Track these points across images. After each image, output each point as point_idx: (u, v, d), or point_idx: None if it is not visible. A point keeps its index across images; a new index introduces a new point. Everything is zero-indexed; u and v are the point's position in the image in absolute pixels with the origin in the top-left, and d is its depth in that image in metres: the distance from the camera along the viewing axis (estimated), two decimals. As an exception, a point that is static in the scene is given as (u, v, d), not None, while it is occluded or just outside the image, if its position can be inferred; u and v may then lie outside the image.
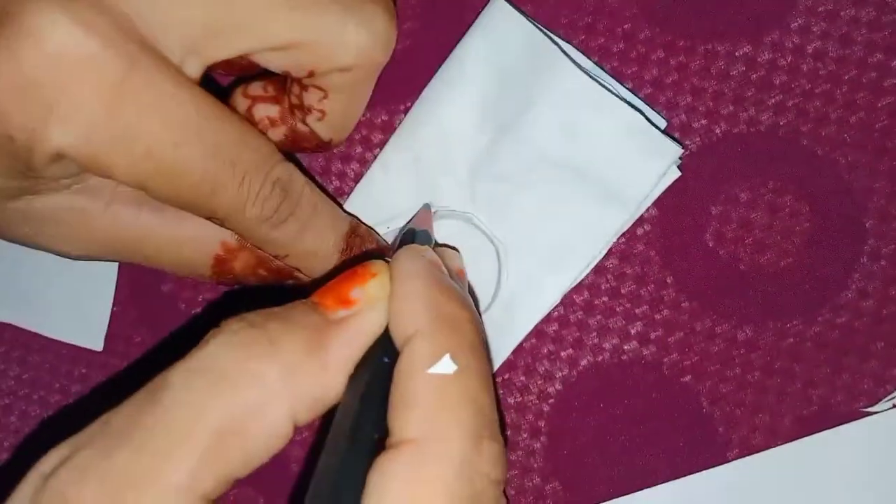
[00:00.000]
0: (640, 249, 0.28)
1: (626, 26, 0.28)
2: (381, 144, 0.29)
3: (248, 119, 0.26)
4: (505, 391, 0.29)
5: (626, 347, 0.28)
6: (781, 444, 0.27)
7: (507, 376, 0.29)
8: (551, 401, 0.29)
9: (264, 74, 0.27)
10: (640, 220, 0.28)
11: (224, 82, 0.29)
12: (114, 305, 0.32)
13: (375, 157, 0.29)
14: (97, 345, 0.32)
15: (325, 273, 0.26)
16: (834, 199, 0.27)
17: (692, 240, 0.28)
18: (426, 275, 0.20)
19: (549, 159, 0.28)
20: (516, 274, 0.28)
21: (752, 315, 0.27)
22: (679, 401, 0.28)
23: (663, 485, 0.27)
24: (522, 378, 0.29)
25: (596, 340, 0.28)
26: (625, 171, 0.27)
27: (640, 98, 0.28)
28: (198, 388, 0.17)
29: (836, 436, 0.27)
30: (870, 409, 0.27)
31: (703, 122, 0.28)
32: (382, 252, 0.27)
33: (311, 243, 0.25)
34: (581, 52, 0.28)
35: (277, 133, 0.26)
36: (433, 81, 0.29)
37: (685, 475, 0.27)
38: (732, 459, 0.27)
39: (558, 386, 0.29)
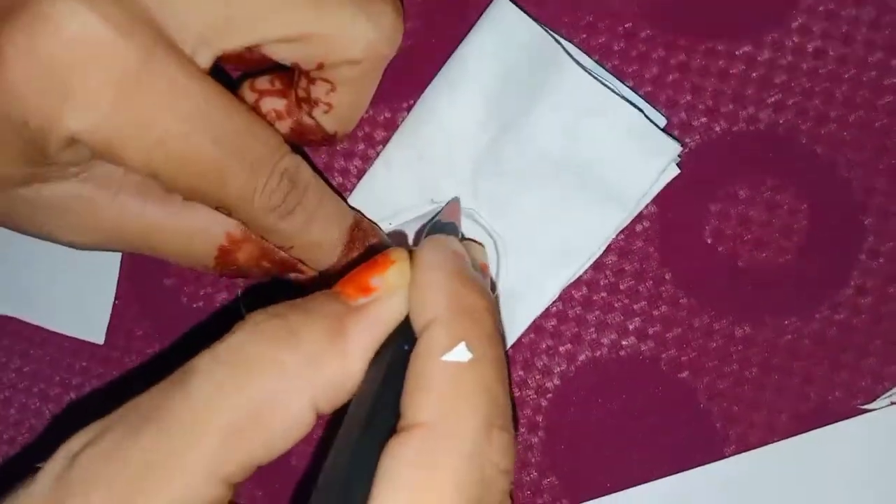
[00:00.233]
0: (638, 246, 0.28)
1: (627, 25, 0.28)
2: (384, 141, 0.30)
3: (255, 112, 0.26)
4: (504, 386, 0.29)
5: (624, 343, 0.28)
6: (778, 440, 0.27)
7: (505, 371, 0.29)
8: (549, 395, 0.29)
9: (272, 69, 0.27)
10: (640, 217, 0.28)
11: (232, 78, 0.29)
12: (115, 299, 0.32)
13: (378, 154, 0.30)
14: (98, 338, 0.32)
15: (329, 265, 0.26)
16: (833, 196, 0.27)
17: (691, 237, 0.28)
18: (449, 264, 0.20)
19: (551, 157, 0.28)
20: (516, 270, 0.28)
21: (750, 312, 0.28)
22: (676, 397, 0.28)
23: (660, 480, 0.28)
24: (520, 373, 0.29)
25: (594, 336, 0.28)
26: (625, 169, 0.27)
27: (640, 96, 0.28)
28: (222, 376, 0.17)
29: (834, 433, 0.27)
30: (867, 407, 0.27)
31: (703, 120, 0.28)
32: (385, 246, 0.28)
33: (317, 235, 0.25)
34: (582, 51, 0.28)
35: (283, 126, 0.27)
36: (436, 79, 0.29)
37: (682, 471, 0.27)
38: (729, 455, 0.27)
39: (556, 381, 0.29)
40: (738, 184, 0.28)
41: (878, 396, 0.27)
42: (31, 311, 0.33)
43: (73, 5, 0.20)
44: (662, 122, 0.28)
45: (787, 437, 0.27)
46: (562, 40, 0.28)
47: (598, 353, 0.28)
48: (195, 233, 0.26)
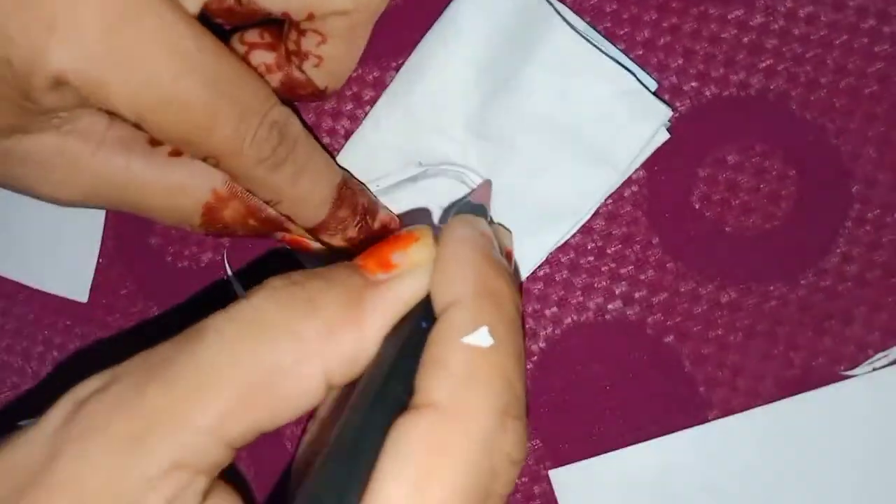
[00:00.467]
0: (627, 210, 0.28)
1: (619, -14, 0.28)
2: (373, 101, 0.29)
3: None
4: (488, 348, 0.29)
5: (609, 307, 0.28)
6: (761, 405, 0.27)
7: (491, 333, 0.29)
8: (534, 358, 0.29)
9: (262, 23, 0.27)
10: (628, 181, 0.28)
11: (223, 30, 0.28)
12: (100, 258, 0.32)
13: (366, 114, 0.29)
14: (82, 297, 0.32)
15: (317, 222, 0.26)
16: (821, 163, 0.27)
17: (679, 201, 0.28)
18: (476, 245, 0.20)
19: (540, 118, 0.28)
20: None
21: (736, 277, 0.28)
22: (661, 361, 0.28)
23: (643, 443, 0.28)
24: (506, 335, 0.29)
25: (580, 299, 0.28)
26: (615, 133, 0.27)
27: (631, 59, 0.28)
28: (235, 337, 0.17)
29: (817, 398, 0.27)
30: (850, 373, 0.27)
31: (694, 84, 0.28)
32: (374, 206, 0.27)
33: (305, 189, 0.25)
34: (574, 13, 0.28)
35: (273, 80, 0.26)
36: (426, 38, 0.29)
37: (665, 434, 0.28)
38: (712, 419, 0.27)
39: (541, 344, 0.29)
40: (727, 149, 0.28)
41: (862, 363, 0.27)
42: (14, 269, 0.32)
43: None
44: (653, 85, 0.28)
45: (770, 402, 0.27)
46: (553, 1, 0.28)
47: (584, 317, 0.28)
48: (181, 189, 0.25)
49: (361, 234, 0.27)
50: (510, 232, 0.27)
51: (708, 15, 0.28)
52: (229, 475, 0.18)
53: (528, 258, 0.28)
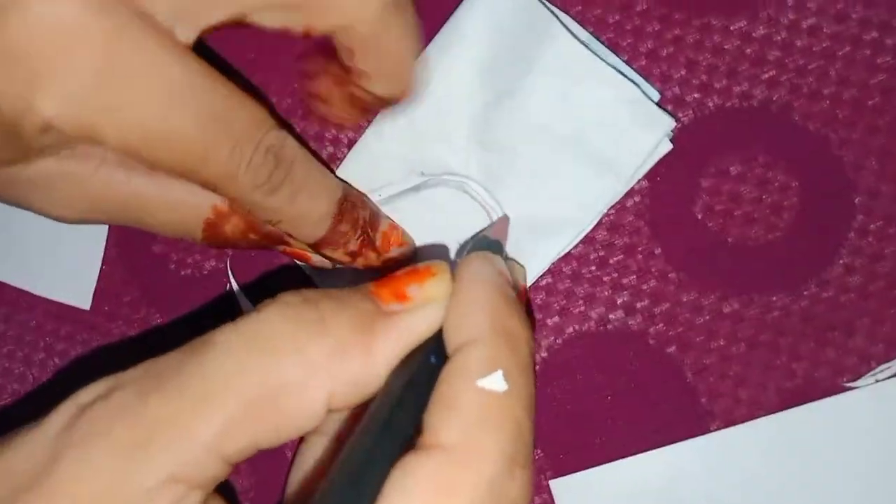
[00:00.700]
0: (629, 220, 0.28)
1: (622, -3, 0.28)
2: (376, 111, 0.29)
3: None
4: (490, 357, 0.29)
5: (611, 317, 0.28)
6: (764, 416, 0.27)
7: (493, 343, 0.29)
8: (536, 367, 0.29)
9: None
10: (631, 192, 0.28)
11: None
12: (103, 264, 0.32)
13: (370, 123, 0.29)
14: (85, 304, 0.32)
15: (318, 238, 0.26)
16: (824, 174, 0.27)
17: (681, 212, 0.28)
18: (493, 285, 0.19)
19: (544, 128, 0.28)
20: (506, 242, 0.28)
21: (739, 288, 0.28)
22: (663, 371, 0.28)
23: (645, 454, 0.28)
24: (508, 345, 0.29)
25: (582, 309, 0.28)
26: (618, 143, 0.27)
27: (634, 70, 0.28)
28: (242, 351, 0.17)
29: (819, 409, 0.27)
30: (853, 384, 0.27)
31: (697, 95, 0.28)
32: (375, 218, 0.27)
33: (304, 208, 0.25)
34: (577, 23, 0.28)
35: (342, 103, 0.26)
36: (430, 47, 0.29)
37: (667, 445, 0.27)
38: (714, 430, 0.27)
39: (543, 353, 0.29)
40: (730, 160, 0.28)
41: (864, 374, 0.27)
42: (17, 275, 0.32)
43: None
44: (656, 96, 0.28)
45: (773, 413, 0.27)
46: (557, 11, 0.28)
47: (586, 327, 0.28)
48: (182, 205, 0.25)
49: (363, 248, 0.27)
50: (524, 269, 0.27)
51: (711, 26, 0.28)
52: (220, 486, 0.18)
53: (531, 268, 0.28)
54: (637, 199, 0.28)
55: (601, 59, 0.27)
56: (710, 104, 0.28)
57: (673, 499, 0.27)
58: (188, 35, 0.22)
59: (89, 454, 0.16)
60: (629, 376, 0.28)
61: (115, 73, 0.20)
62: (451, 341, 0.18)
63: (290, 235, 0.26)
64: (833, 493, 0.26)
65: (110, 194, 0.24)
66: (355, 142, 0.30)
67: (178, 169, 0.22)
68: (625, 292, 0.28)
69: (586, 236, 0.28)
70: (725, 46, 0.28)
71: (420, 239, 0.29)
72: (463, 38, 0.28)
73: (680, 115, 0.28)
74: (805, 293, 0.27)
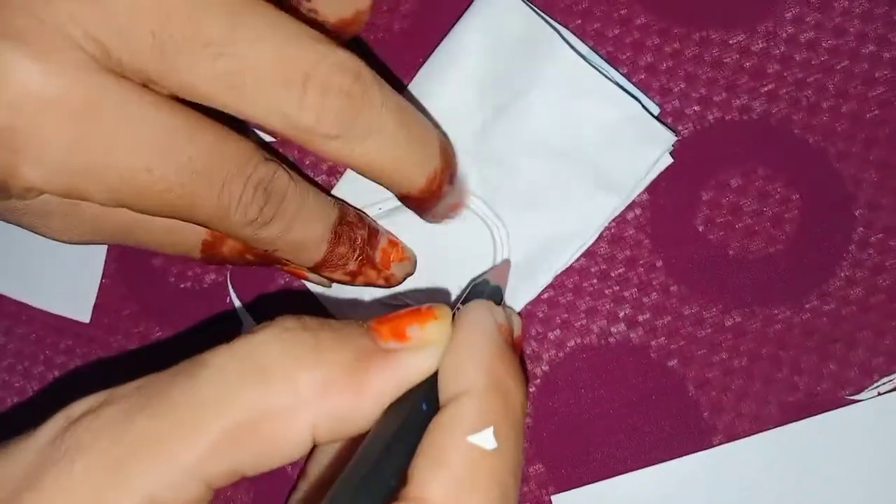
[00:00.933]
0: (630, 233, 0.28)
1: (622, 12, 0.28)
2: (376, 124, 0.29)
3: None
4: (491, 370, 0.29)
5: (613, 330, 0.28)
6: (767, 430, 0.27)
7: (494, 356, 0.29)
8: (537, 381, 0.28)
9: None
10: (631, 205, 0.28)
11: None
12: (103, 278, 0.32)
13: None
14: (84, 317, 0.32)
15: (315, 262, 0.26)
16: (824, 187, 0.27)
17: (682, 225, 0.28)
18: (493, 336, 0.19)
19: (543, 142, 0.28)
20: (508, 256, 0.28)
21: (740, 301, 0.27)
22: (665, 385, 0.28)
23: (647, 469, 0.27)
24: (509, 358, 0.29)
25: (584, 322, 0.28)
26: (618, 158, 0.27)
27: (633, 84, 0.28)
28: (233, 374, 0.17)
29: (822, 423, 0.26)
30: (855, 397, 0.27)
31: (696, 108, 0.28)
32: (374, 236, 0.27)
33: (299, 236, 0.25)
34: (577, 37, 0.28)
35: None
36: (430, 61, 0.29)
37: (669, 460, 0.27)
38: (717, 445, 0.27)
39: (545, 367, 0.28)
40: (730, 173, 0.28)
41: (867, 387, 0.27)
42: (17, 288, 0.32)
43: (12, 60, 0.19)
44: (656, 110, 0.28)
45: (775, 427, 0.27)
46: (556, 25, 0.28)
47: (588, 340, 0.28)
48: (179, 228, 0.25)
49: (363, 267, 0.27)
50: (520, 318, 0.27)
51: (710, 40, 0.28)
52: None
53: (534, 283, 0.28)
54: (638, 211, 0.28)
55: (601, 72, 0.27)
56: (710, 117, 0.28)
57: (675, 514, 0.27)
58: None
59: (72, 469, 0.16)
60: (631, 390, 0.28)
61: (95, 138, 0.20)
62: (444, 390, 0.18)
63: (288, 260, 0.26)
64: (837, 507, 0.26)
65: (107, 218, 0.25)
66: (356, 155, 0.30)
67: (168, 215, 0.22)
68: (626, 305, 0.28)
69: (587, 250, 0.28)
70: (725, 60, 0.28)
71: (420, 252, 0.29)
72: (462, 52, 0.28)
73: (680, 128, 0.28)
74: (806, 306, 0.27)
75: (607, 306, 0.28)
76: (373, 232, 0.27)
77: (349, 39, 0.27)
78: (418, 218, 0.29)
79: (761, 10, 0.28)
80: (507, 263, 0.28)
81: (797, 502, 0.27)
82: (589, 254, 0.28)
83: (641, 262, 0.28)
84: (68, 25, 0.20)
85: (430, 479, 0.17)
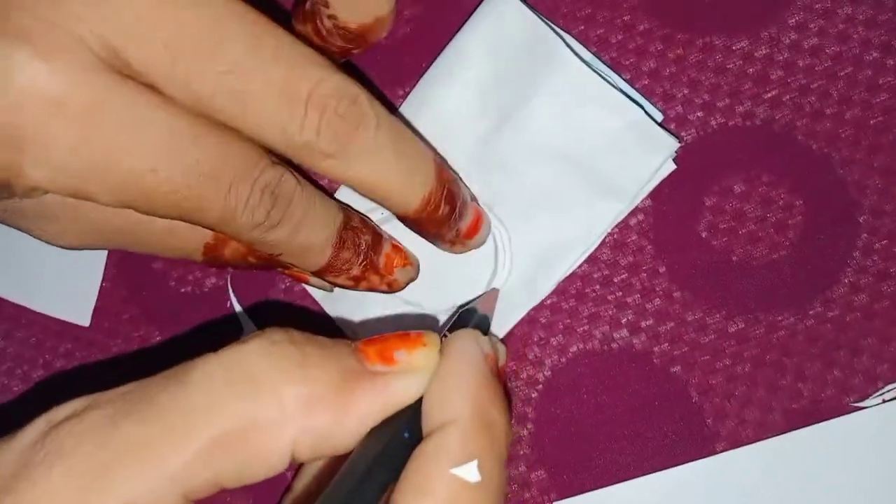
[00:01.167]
0: (633, 239, 0.28)
1: (625, 17, 0.28)
2: (379, 128, 0.29)
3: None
4: (493, 376, 0.29)
5: (616, 336, 0.28)
6: (770, 437, 0.27)
7: (496, 361, 0.29)
8: (539, 387, 0.28)
9: None
10: (634, 210, 0.28)
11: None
12: (103, 281, 0.32)
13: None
14: (84, 320, 0.32)
15: (319, 266, 0.26)
16: (827, 193, 0.27)
17: (685, 230, 0.28)
18: (479, 367, 0.19)
19: (547, 149, 0.28)
20: (510, 262, 0.28)
21: (744, 307, 0.27)
22: (668, 391, 0.28)
23: (650, 476, 0.27)
24: (512, 364, 0.29)
25: (586, 328, 0.28)
26: (621, 164, 0.27)
27: (636, 89, 0.28)
28: (219, 384, 0.17)
29: (826, 430, 0.26)
30: (860, 404, 0.27)
31: (700, 114, 0.28)
32: (378, 242, 0.27)
33: (305, 241, 0.24)
34: (580, 43, 0.28)
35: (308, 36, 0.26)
36: (433, 67, 0.29)
37: (672, 466, 0.27)
38: (720, 452, 0.27)
39: (547, 373, 0.28)
40: (734, 179, 0.28)
41: (871, 394, 0.27)
42: (17, 292, 0.32)
43: (18, 58, 0.19)
44: (659, 116, 0.28)
45: (779, 434, 0.27)
46: (560, 31, 0.28)
47: (590, 346, 0.28)
48: (181, 230, 0.25)
49: (366, 272, 0.27)
50: (505, 346, 0.27)
51: (713, 46, 0.28)
52: None
53: (536, 288, 0.28)
54: (641, 217, 0.28)
55: (604, 78, 0.27)
56: (713, 123, 0.28)
57: (678, 521, 0.27)
58: None
59: (50, 474, 0.16)
60: (634, 396, 0.28)
61: (99, 137, 0.20)
62: (429, 419, 0.18)
63: (292, 264, 0.26)
64: (841, 516, 0.26)
65: (107, 221, 0.24)
66: (358, 160, 0.29)
67: (174, 217, 0.22)
68: (629, 311, 0.28)
69: (590, 255, 0.28)
70: (728, 66, 0.28)
71: (422, 257, 0.29)
72: (465, 58, 0.28)
73: (683, 133, 0.28)
74: (810, 312, 0.27)
75: (610, 312, 0.28)
76: (377, 237, 0.27)
77: (368, 47, 0.28)
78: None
79: (765, 16, 0.28)
80: (494, 292, 0.28)
81: (801, 510, 0.26)
82: (592, 259, 0.28)
83: (644, 267, 0.28)
84: (76, 26, 0.20)
85: None
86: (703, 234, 0.28)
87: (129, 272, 0.32)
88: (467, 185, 0.28)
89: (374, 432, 0.18)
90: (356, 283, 0.27)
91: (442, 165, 0.26)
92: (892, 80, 0.27)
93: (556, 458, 0.28)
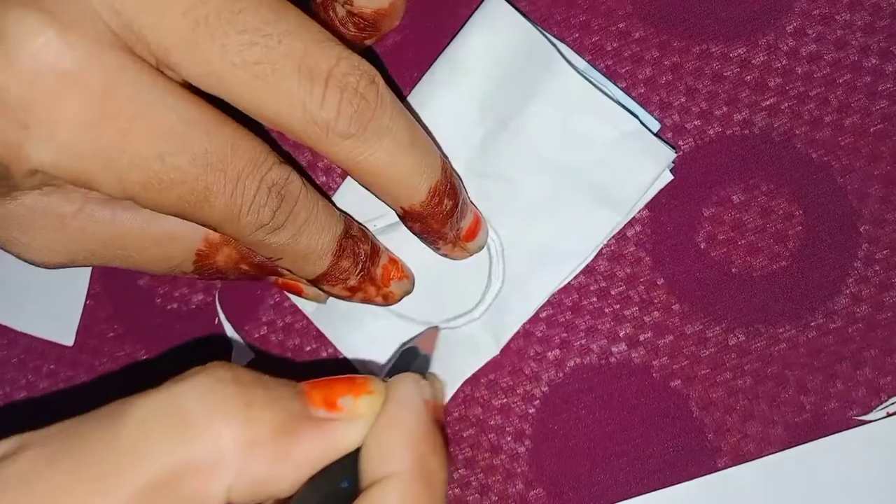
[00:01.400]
0: (630, 250, 0.28)
1: (620, 25, 0.28)
2: (369, 139, 0.29)
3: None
4: (490, 392, 0.28)
5: (614, 349, 0.27)
6: (773, 452, 0.26)
7: (492, 377, 0.28)
8: (536, 403, 0.28)
9: None
10: (632, 221, 0.28)
11: None
12: (87, 299, 0.31)
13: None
14: (68, 340, 0.31)
15: (316, 275, 0.25)
16: (828, 202, 0.27)
17: (684, 241, 0.27)
18: (419, 415, 0.19)
19: (542, 159, 0.27)
20: (504, 273, 0.28)
21: (744, 319, 0.27)
22: (668, 406, 0.27)
23: (650, 494, 0.27)
24: (508, 379, 0.28)
25: (583, 342, 0.28)
26: (618, 174, 0.27)
27: (632, 98, 0.28)
28: (156, 425, 0.16)
29: (829, 445, 0.26)
30: (863, 418, 0.26)
31: (697, 122, 0.28)
32: (377, 252, 0.26)
33: (306, 246, 0.24)
34: (574, 52, 0.28)
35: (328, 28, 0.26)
36: (427, 76, 0.28)
37: (673, 483, 0.26)
38: (722, 468, 0.26)
39: (544, 388, 0.28)
40: (732, 188, 0.27)
41: (874, 408, 0.26)
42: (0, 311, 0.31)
43: (31, 26, 0.18)
44: (656, 126, 0.28)
45: (782, 450, 0.26)
46: (554, 40, 0.27)
47: (588, 360, 0.28)
48: (170, 238, 0.24)
49: (363, 283, 0.26)
50: (444, 385, 0.26)
51: (710, 53, 0.27)
52: None
53: (531, 299, 0.27)
54: (638, 228, 0.28)
55: (599, 87, 0.27)
56: (711, 132, 0.27)
57: (680, 539, 0.26)
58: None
59: None
60: (633, 411, 0.27)
61: (111, 119, 0.20)
62: (369, 469, 0.18)
63: (289, 270, 0.25)
64: (845, 531, 0.26)
65: (93, 233, 0.24)
66: (349, 171, 0.29)
67: (178, 211, 0.22)
68: (627, 324, 0.27)
69: (587, 267, 0.28)
70: (725, 73, 0.27)
71: (415, 269, 0.28)
72: (461, 68, 0.28)
73: (680, 142, 0.28)
74: (812, 324, 0.27)
75: (608, 325, 0.28)
76: (375, 248, 0.26)
77: (385, 32, 0.27)
78: (413, 237, 0.28)
79: (762, 23, 0.27)
80: (435, 330, 0.27)
81: (805, 526, 0.26)
82: (588, 271, 0.28)
83: (642, 279, 0.27)
84: None
85: None
86: (702, 245, 0.27)
87: (113, 289, 0.31)
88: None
89: (313, 480, 0.18)
90: (352, 294, 0.26)
91: (444, 159, 0.25)
92: (891, 86, 0.27)
93: (554, 475, 0.27)
